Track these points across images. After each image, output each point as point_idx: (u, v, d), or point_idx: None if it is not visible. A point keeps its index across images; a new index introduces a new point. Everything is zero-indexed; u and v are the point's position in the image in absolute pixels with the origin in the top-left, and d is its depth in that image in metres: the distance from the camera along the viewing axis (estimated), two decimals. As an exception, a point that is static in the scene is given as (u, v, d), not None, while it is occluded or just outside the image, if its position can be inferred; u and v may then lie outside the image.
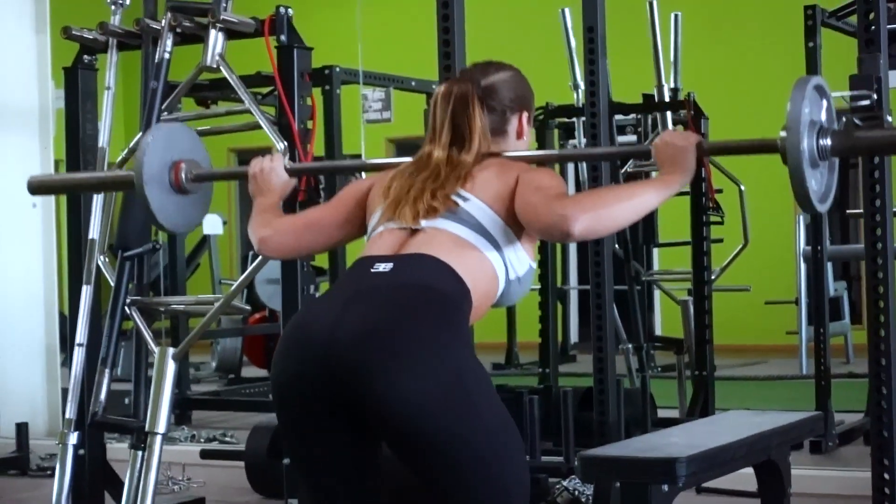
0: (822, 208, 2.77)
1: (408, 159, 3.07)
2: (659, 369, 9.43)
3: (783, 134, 2.68)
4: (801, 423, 4.24)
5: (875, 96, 3.52)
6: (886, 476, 3.59)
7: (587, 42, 4.97)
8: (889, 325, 3.74)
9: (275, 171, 3.40)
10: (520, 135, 3.07)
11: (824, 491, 5.29)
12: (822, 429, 5.23)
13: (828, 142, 2.74)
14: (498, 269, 2.86)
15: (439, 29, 4.33)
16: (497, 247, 2.86)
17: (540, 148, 7.82)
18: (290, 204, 4.29)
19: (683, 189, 7.21)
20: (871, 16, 3.69)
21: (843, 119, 3.07)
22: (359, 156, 8.44)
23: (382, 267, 2.78)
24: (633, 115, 8.00)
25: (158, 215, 3.50)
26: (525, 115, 3.07)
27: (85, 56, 4.92)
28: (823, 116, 2.77)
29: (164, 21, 4.53)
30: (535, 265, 2.97)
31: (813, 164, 2.71)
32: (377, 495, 2.80)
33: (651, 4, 7.75)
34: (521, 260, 2.91)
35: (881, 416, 3.66)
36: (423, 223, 2.86)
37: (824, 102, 2.78)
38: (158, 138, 3.52)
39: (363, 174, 4.80)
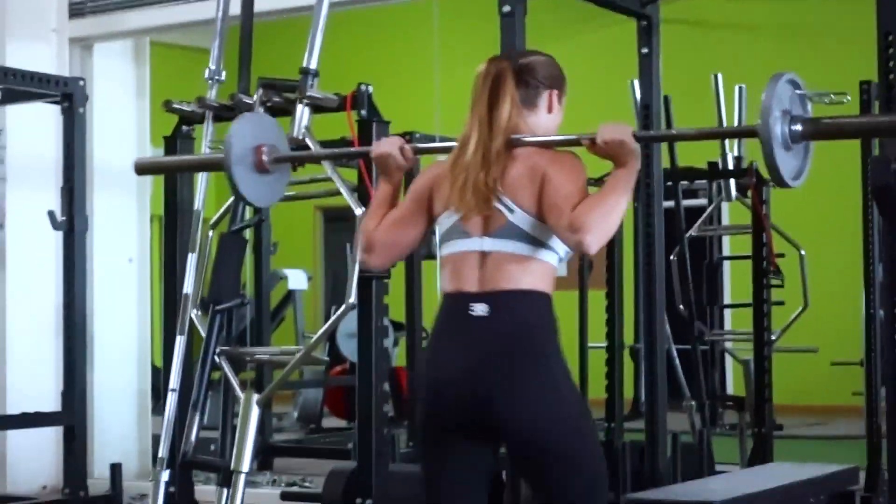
0: (795, 184, 3.17)
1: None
2: (727, 427, 9.64)
3: (758, 120, 3.05)
4: (835, 475, 4.57)
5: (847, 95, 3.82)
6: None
7: (642, 119, 5.34)
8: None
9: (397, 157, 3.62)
10: (549, 109, 3.44)
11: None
12: (856, 481, 5.49)
13: (798, 127, 3.11)
14: (552, 260, 3.32)
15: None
16: (545, 243, 3.29)
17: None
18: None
19: (747, 253, 7.44)
20: None
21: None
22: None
23: (479, 310, 3.27)
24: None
25: (243, 191, 3.83)
26: (556, 92, 3.46)
27: (183, 126, 5.36)
28: (796, 106, 3.16)
29: (255, 96, 4.95)
30: None
31: (786, 146, 3.10)
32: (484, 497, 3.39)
33: (716, 77, 8.12)
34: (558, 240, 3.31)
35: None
36: (488, 242, 3.29)
37: (797, 94, 3.15)
38: (244, 125, 3.85)
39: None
